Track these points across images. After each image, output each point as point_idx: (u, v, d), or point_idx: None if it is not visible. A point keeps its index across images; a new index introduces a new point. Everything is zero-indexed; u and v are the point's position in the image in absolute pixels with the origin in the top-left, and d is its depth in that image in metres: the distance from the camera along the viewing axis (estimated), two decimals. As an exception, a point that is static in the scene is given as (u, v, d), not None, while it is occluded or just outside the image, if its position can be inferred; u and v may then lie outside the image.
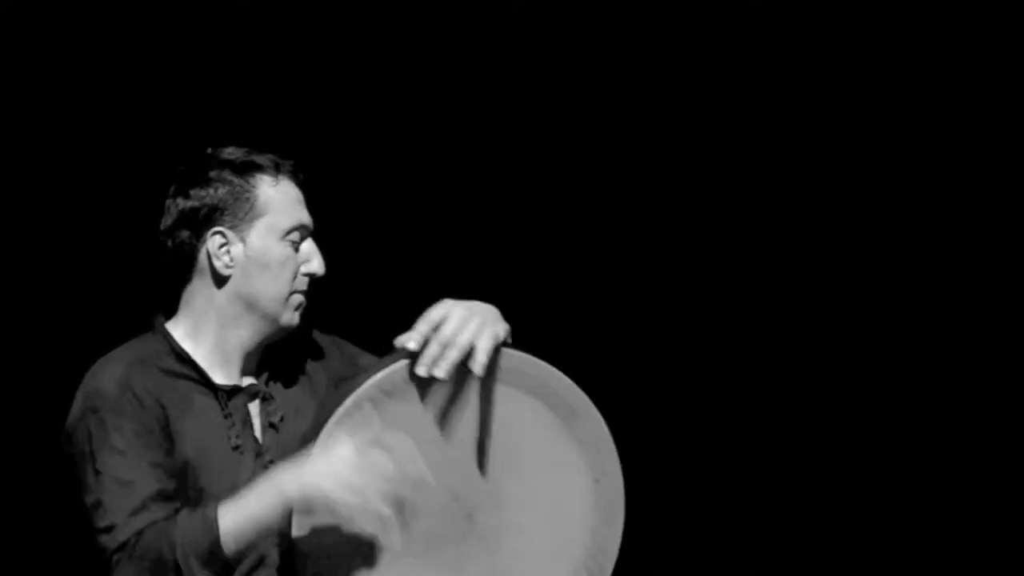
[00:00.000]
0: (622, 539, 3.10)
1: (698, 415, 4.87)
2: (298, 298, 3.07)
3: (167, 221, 3.08)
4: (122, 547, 2.89)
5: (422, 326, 2.92)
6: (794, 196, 4.88)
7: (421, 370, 2.91)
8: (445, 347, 2.91)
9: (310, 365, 3.16)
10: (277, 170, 3.07)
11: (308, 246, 3.09)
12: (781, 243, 4.89)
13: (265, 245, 3.04)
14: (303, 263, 3.07)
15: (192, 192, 3.05)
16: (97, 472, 2.93)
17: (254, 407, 3.08)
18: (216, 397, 3.04)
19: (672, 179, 4.85)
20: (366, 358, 3.18)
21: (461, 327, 2.92)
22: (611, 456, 3.04)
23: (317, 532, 2.90)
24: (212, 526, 2.86)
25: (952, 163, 4.87)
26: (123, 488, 2.91)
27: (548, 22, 4.75)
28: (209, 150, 3.10)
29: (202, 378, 3.04)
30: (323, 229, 3.14)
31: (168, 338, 3.06)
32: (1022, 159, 4.85)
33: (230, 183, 3.04)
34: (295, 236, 3.06)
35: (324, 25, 4.63)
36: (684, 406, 4.86)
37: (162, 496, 2.92)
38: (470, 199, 4.74)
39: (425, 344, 2.92)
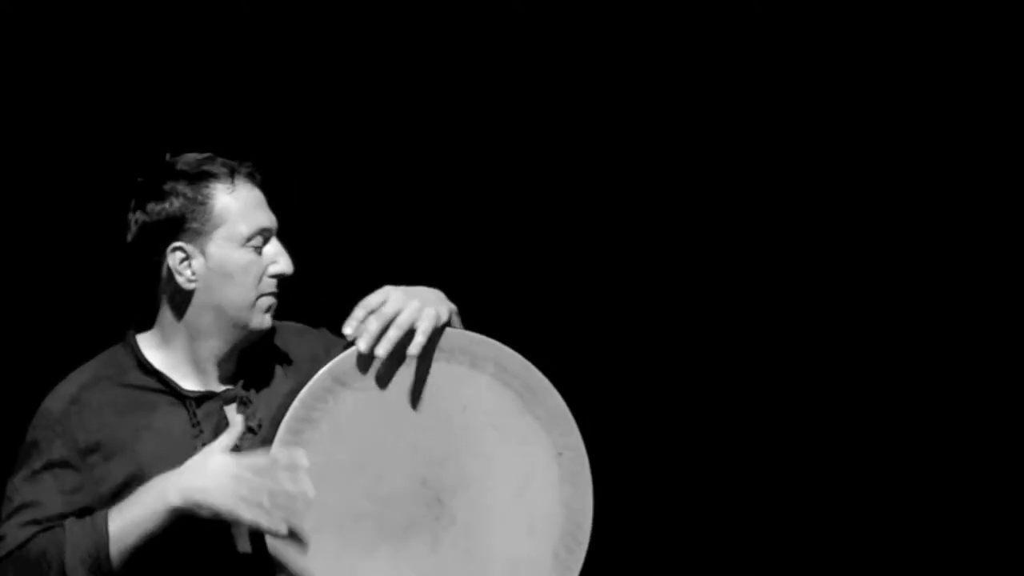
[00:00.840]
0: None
1: (678, 404, 4.86)
2: (267, 300, 3.05)
3: (129, 236, 3.07)
4: (8, 555, 2.93)
5: (359, 311, 2.94)
6: (775, 191, 4.89)
7: (361, 345, 2.92)
8: (386, 325, 2.92)
9: (295, 364, 3.14)
10: (232, 176, 3.04)
11: (273, 248, 3.06)
12: (754, 232, 4.88)
13: (225, 255, 3.02)
14: (269, 265, 3.05)
15: (149, 207, 3.02)
16: (12, 482, 2.99)
17: (232, 412, 3.06)
18: (184, 406, 3.04)
19: (639, 169, 4.85)
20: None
21: (400, 308, 2.94)
22: (571, 430, 3.05)
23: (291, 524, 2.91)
24: (102, 533, 2.89)
25: (952, 163, 4.85)
26: (23, 506, 2.96)
27: (546, 23, 4.76)
28: (167, 156, 3.07)
29: (168, 388, 3.04)
30: (299, 225, 3.14)
31: (135, 350, 3.07)
32: (1022, 159, 4.84)
33: (184, 196, 3.01)
34: (257, 241, 3.03)
35: (303, 22, 4.64)
36: (662, 394, 4.85)
37: (62, 518, 2.95)
38: (445, 192, 4.74)
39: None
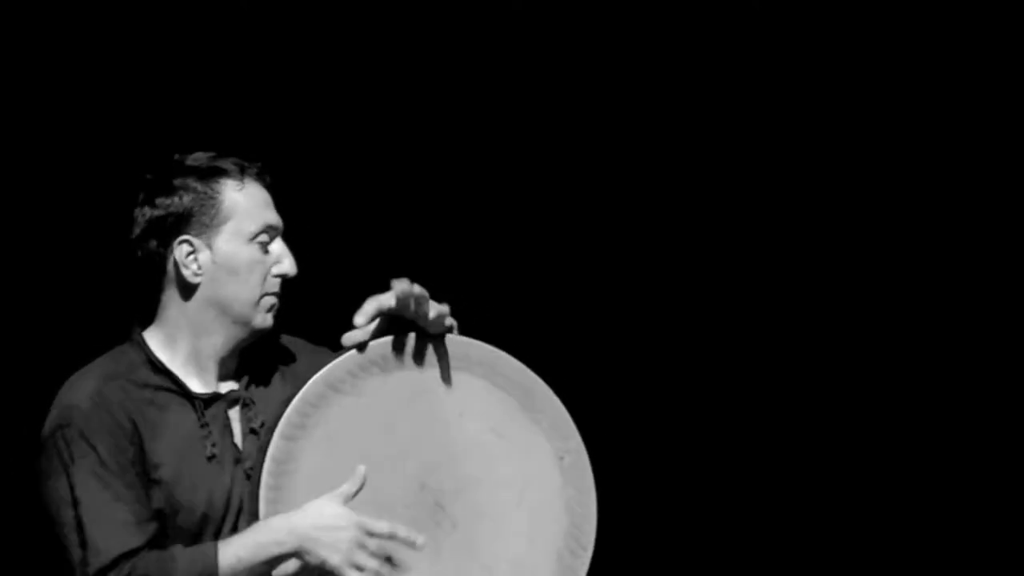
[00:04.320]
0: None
1: (678, 405, 4.86)
2: (270, 300, 3.07)
3: (136, 231, 3.08)
4: (105, 570, 2.90)
5: (369, 305, 2.94)
6: (776, 192, 4.88)
7: (359, 319, 2.92)
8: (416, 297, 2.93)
9: (291, 369, 3.15)
10: (242, 173, 3.06)
11: (278, 247, 3.08)
12: (759, 236, 4.88)
13: (232, 250, 3.04)
14: (274, 264, 3.07)
15: (158, 201, 3.04)
16: (73, 492, 2.94)
17: (234, 413, 3.07)
18: (193, 406, 3.04)
19: (646, 172, 4.85)
20: None
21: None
22: (571, 433, 3.04)
23: None
24: (212, 569, 2.90)
25: (952, 163, 4.85)
26: (103, 511, 2.93)
27: (547, 22, 4.76)
28: (176, 156, 3.09)
29: (179, 388, 3.04)
30: (302, 230, 3.15)
31: (144, 348, 3.07)
32: (1022, 159, 4.84)
33: (194, 190, 3.03)
34: (263, 238, 3.06)
35: (306, 23, 4.64)
36: (662, 395, 4.85)
37: (141, 518, 2.94)
38: (444, 197, 4.74)
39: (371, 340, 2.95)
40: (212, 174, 3.04)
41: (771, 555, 4.86)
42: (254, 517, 2.94)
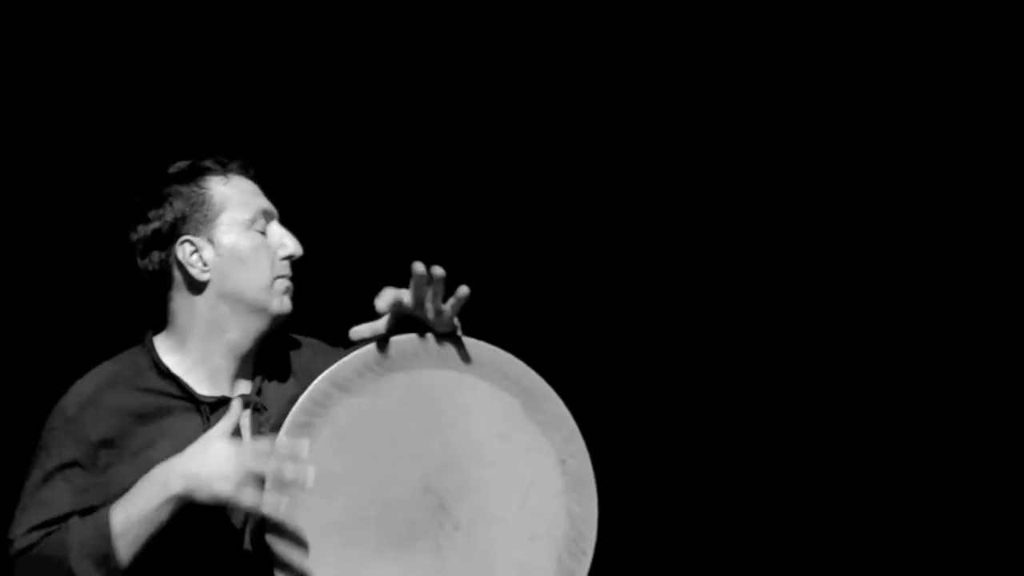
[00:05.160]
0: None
1: (681, 408, 4.85)
2: (283, 283, 3.09)
3: (138, 253, 3.11)
4: (21, 553, 2.97)
5: (387, 292, 2.91)
6: (777, 192, 4.88)
7: (381, 304, 2.89)
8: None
9: (307, 371, 3.13)
10: (224, 168, 3.12)
11: (277, 229, 3.12)
12: (755, 236, 4.87)
13: (233, 240, 3.07)
14: (278, 248, 3.10)
15: (150, 215, 3.09)
16: (26, 484, 3.02)
17: (245, 418, 3.05)
18: (198, 410, 3.06)
19: (644, 172, 4.84)
20: None
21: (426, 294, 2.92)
22: (574, 436, 3.05)
23: (293, 529, 2.91)
24: (104, 528, 2.90)
25: (952, 163, 4.86)
26: (37, 505, 2.99)
27: (546, 23, 4.76)
28: (155, 169, 3.14)
29: (184, 392, 3.05)
30: (309, 227, 3.18)
31: (152, 352, 3.09)
32: (1022, 159, 4.85)
33: (182, 194, 3.07)
34: (260, 224, 3.09)
35: (308, 21, 4.64)
36: (665, 399, 4.84)
37: (52, 522, 2.98)
38: (441, 196, 4.74)
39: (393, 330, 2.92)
40: (196, 174, 3.10)
41: (771, 557, 4.86)
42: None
